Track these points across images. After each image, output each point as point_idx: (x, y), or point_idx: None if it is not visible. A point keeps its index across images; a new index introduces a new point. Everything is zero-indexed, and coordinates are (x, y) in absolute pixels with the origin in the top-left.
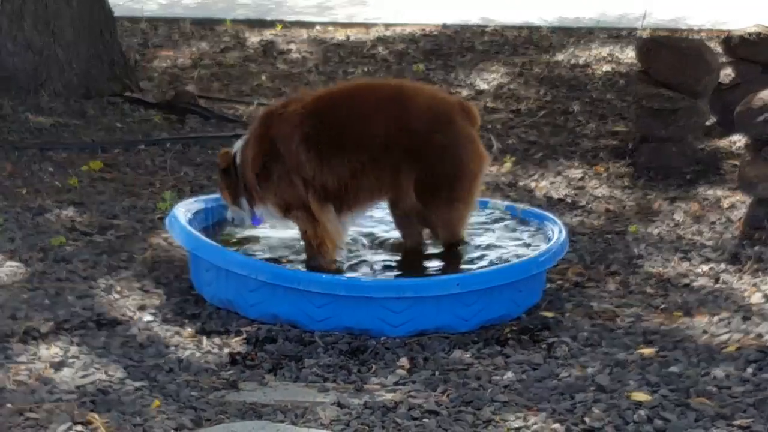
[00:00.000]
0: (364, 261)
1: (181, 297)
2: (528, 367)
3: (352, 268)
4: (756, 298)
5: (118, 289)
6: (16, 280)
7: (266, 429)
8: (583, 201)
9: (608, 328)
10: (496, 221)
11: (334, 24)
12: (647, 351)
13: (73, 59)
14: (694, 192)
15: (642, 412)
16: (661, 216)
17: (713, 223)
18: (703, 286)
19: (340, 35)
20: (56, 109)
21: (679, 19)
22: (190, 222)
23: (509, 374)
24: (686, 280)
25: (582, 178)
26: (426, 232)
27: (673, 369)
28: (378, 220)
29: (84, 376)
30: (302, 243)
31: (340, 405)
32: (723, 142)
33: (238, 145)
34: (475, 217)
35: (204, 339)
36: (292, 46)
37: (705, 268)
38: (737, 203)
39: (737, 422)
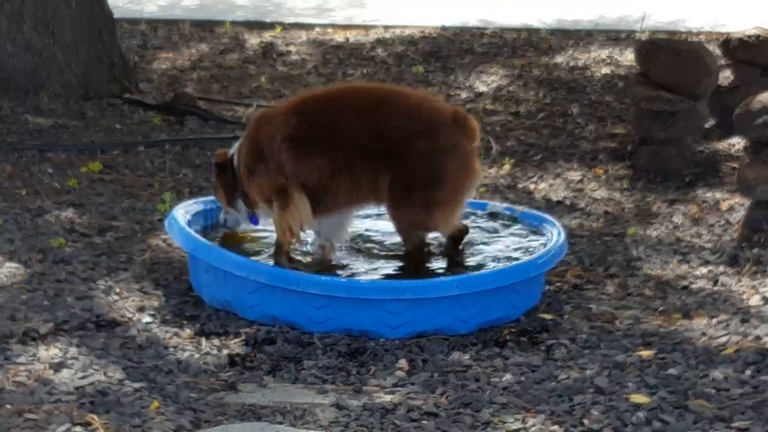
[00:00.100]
0: (364, 263)
1: (180, 298)
2: (527, 369)
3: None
4: (754, 300)
5: (117, 290)
6: (15, 281)
7: (265, 430)
8: (582, 203)
9: (607, 330)
10: (494, 223)
11: (333, 26)
12: (646, 353)
13: (72, 61)
14: (692, 194)
15: (640, 414)
16: (659, 218)
17: (712, 225)
18: (701, 288)
19: (339, 37)
20: (55, 110)
21: (678, 21)
22: (189, 223)
23: (508, 376)
24: (685, 283)
25: (581, 180)
26: (430, 236)
27: (672, 371)
28: (379, 219)
29: (83, 377)
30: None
31: (338, 406)
32: (722, 145)
33: (236, 146)
34: (475, 219)
35: (203, 340)
36: (292, 48)
37: (704, 270)
38: (736, 205)
39: (736, 424)
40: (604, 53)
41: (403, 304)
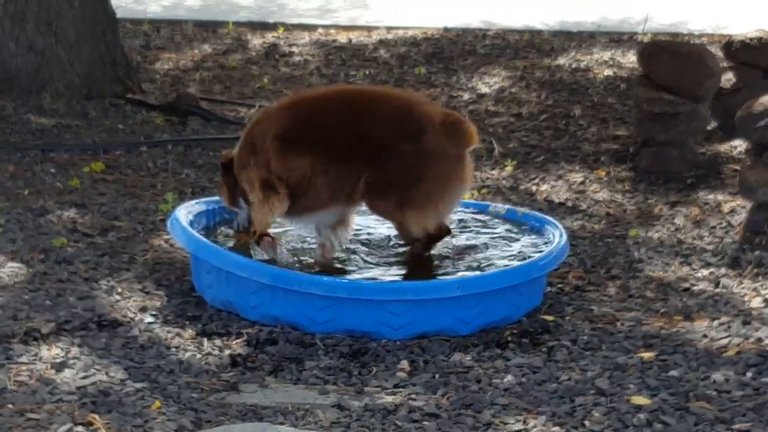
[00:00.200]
0: (365, 264)
1: (182, 299)
2: (528, 371)
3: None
4: (756, 302)
5: (120, 290)
6: (17, 280)
7: (266, 431)
8: (584, 205)
9: (608, 332)
10: (496, 224)
11: (336, 27)
12: (647, 355)
13: (75, 61)
14: (694, 196)
15: (642, 416)
16: (661, 220)
17: (713, 227)
18: (703, 290)
19: (341, 38)
20: (58, 110)
21: (681, 23)
22: (191, 224)
23: (509, 377)
24: (686, 285)
25: (583, 182)
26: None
27: (673, 373)
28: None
29: (85, 377)
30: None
31: (340, 407)
32: (724, 147)
33: (238, 146)
34: (476, 220)
35: (205, 341)
36: (294, 49)
37: (705, 272)
38: (738, 208)
39: (736, 426)
40: (606, 55)
41: (405, 305)
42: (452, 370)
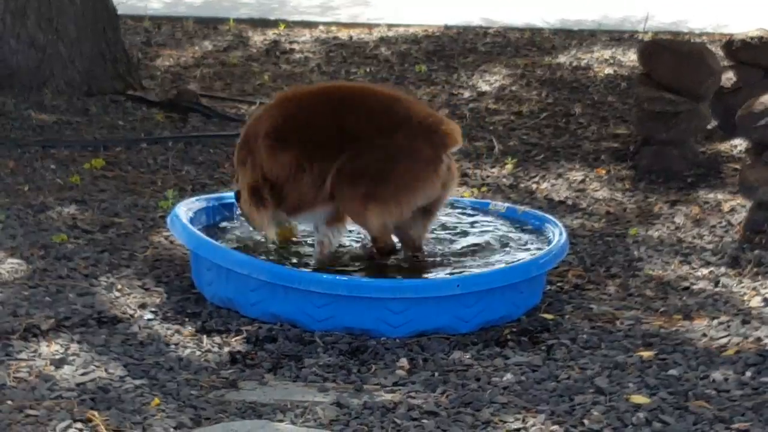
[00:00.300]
0: (366, 262)
1: (181, 295)
2: (527, 369)
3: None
4: (755, 301)
5: (119, 287)
6: (17, 277)
7: (265, 428)
8: (584, 203)
9: (608, 331)
10: (496, 222)
11: (337, 24)
12: (646, 354)
13: (76, 57)
14: (694, 195)
15: (641, 415)
16: (661, 219)
17: (713, 226)
18: (702, 289)
19: (342, 35)
20: (59, 106)
21: (681, 22)
22: (191, 221)
23: (508, 376)
24: (686, 284)
25: (583, 181)
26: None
27: (672, 372)
28: None
29: (84, 374)
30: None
31: (339, 405)
32: (724, 146)
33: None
34: (476, 219)
35: (204, 338)
36: (295, 46)
37: (705, 271)
38: (738, 207)
39: (736, 425)
40: (607, 53)
41: (405, 302)
42: (451, 368)
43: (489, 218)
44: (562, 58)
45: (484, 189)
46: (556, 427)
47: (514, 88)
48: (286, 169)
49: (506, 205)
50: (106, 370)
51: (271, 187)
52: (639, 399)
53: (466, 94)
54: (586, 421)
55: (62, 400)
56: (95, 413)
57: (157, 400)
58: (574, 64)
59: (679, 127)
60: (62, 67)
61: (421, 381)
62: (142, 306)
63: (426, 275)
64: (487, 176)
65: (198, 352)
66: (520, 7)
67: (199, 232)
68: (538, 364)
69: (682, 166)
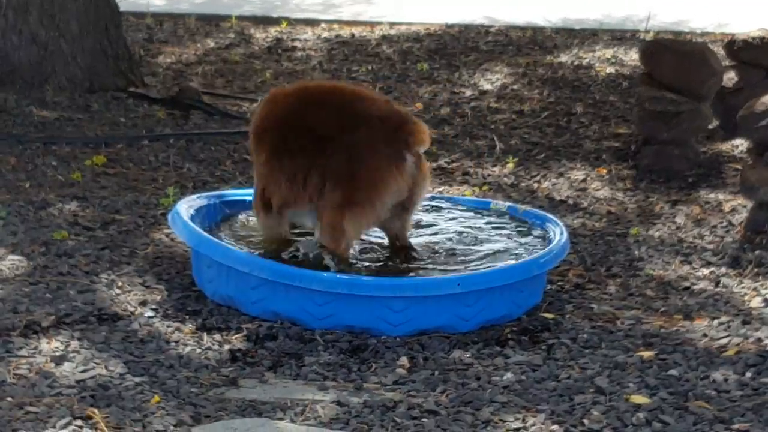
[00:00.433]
0: (367, 260)
1: (182, 293)
2: (527, 368)
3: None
4: (756, 302)
5: (120, 284)
6: (18, 273)
7: (265, 426)
8: (585, 203)
9: (608, 330)
10: (497, 221)
11: (339, 22)
12: (647, 354)
13: (77, 54)
14: (695, 195)
15: (641, 415)
16: (662, 219)
17: (714, 226)
18: (703, 289)
19: (345, 33)
20: (60, 103)
21: (683, 21)
22: (192, 218)
23: (509, 375)
24: (686, 284)
25: (584, 180)
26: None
27: (673, 372)
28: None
29: (84, 371)
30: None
31: (339, 403)
32: (725, 146)
33: None
34: (477, 218)
35: (204, 335)
36: (297, 44)
37: (705, 271)
38: (738, 207)
39: (736, 426)
40: (608, 53)
41: (405, 301)
42: (452, 367)
43: (490, 217)
44: (564, 57)
45: (485, 188)
46: (556, 426)
47: (515, 86)
48: (265, 167)
49: (507, 203)
50: (106, 368)
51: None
52: (639, 399)
53: (468, 92)
54: (586, 421)
55: (62, 397)
56: (95, 410)
57: (157, 398)
58: (576, 63)
59: (680, 127)
60: (64, 63)
61: (422, 380)
62: (143, 303)
63: (426, 274)
64: (489, 175)
65: (198, 350)
66: (522, 6)
67: (199, 230)
68: (538, 364)
69: (683, 166)
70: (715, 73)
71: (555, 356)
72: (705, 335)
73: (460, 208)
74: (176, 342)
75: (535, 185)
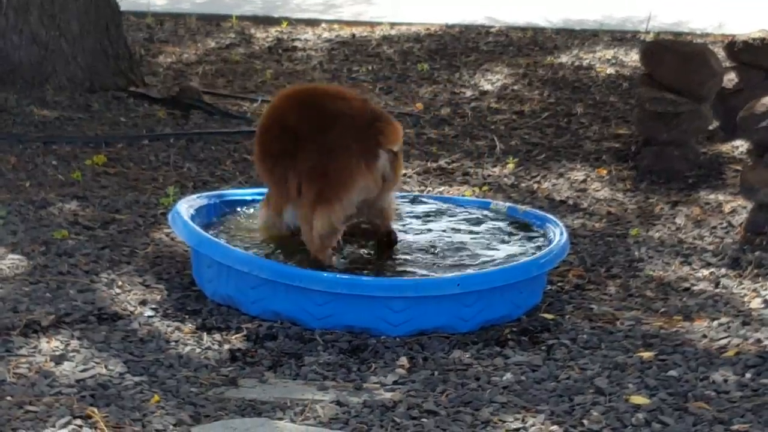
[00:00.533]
0: (363, 260)
1: (182, 293)
2: (527, 369)
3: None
4: (756, 303)
5: (120, 283)
6: (17, 272)
7: (265, 426)
8: (585, 203)
9: (608, 331)
10: (497, 222)
11: (340, 22)
12: (646, 354)
13: (78, 53)
14: (695, 196)
15: (640, 416)
16: (662, 219)
17: (714, 227)
18: (703, 290)
19: (345, 33)
20: (61, 102)
21: (683, 22)
22: (192, 218)
23: (508, 375)
24: (686, 284)
25: (584, 181)
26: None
27: (672, 373)
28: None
29: (84, 370)
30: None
31: (339, 403)
32: (725, 147)
33: None
34: (477, 217)
35: (204, 335)
36: (298, 44)
37: (705, 272)
38: (738, 208)
39: (735, 427)
40: (609, 53)
41: (405, 301)
42: (451, 367)
43: (490, 217)
44: (564, 58)
45: (485, 188)
46: (555, 427)
47: (516, 87)
48: (261, 168)
49: (507, 204)
50: (106, 367)
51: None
52: (638, 399)
53: (468, 93)
54: (585, 422)
55: (62, 397)
56: (95, 410)
57: (156, 397)
58: (576, 63)
59: (680, 128)
60: (64, 63)
61: (421, 380)
62: (143, 303)
63: (426, 274)
64: (489, 175)
65: (198, 350)
66: (523, 7)
67: (199, 229)
68: (538, 364)
69: (683, 167)
70: (715, 74)
71: (555, 357)
72: (705, 336)
73: (460, 208)
74: (176, 341)
75: (535, 186)
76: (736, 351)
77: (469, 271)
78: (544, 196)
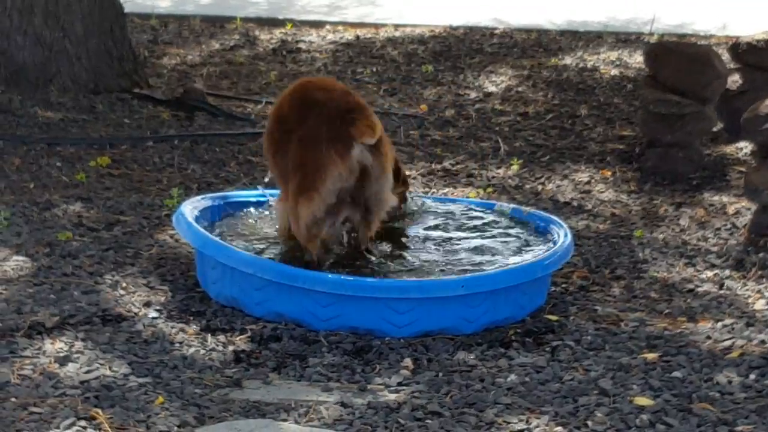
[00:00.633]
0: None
1: (186, 294)
2: (531, 370)
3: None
4: (760, 304)
5: (124, 285)
6: (22, 274)
7: (269, 427)
8: (589, 205)
9: (612, 332)
10: (501, 223)
11: (345, 24)
12: (651, 356)
13: (82, 55)
14: (699, 198)
15: (644, 417)
16: (666, 221)
17: (718, 229)
18: (707, 291)
19: (350, 35)
20: (65, 104)
21: (688, 24)
22: (196, 219)
23: (513, 376)
24: (690, 286)
25: (588, 182)
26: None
27: (676, 374)
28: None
29: (88, 372)
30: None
31: (343, 404)
32: (729, 149)
33: None
34: (481, 219)
35: (209, 336)
36: (302, 45)
37: (709, 273)
38: (742, 210)
39: (739, 428)
40: (613, 55)
41: (409, 303)
42: (456, 368)
43: (494, 219)
44: (569, 60)
45: (489, 190)
46: (559, 428)
47: (520, 89)
48: (269, 161)
49: (512, 205)
50: (110, 368)
51: None
52: (643, 401)
53: (473, 94)
54: (589, 423)
55: (66, 398)
56: (99, 411)
57: (161, 399)
58: (581, 65)
59: (684, 130)
60: (69, 64)
61: (426, 381)
62: (147, 304)
63: (431, 276)
64: (493, 177)
65: (202, 351)
66: (527, 9)
67: (204, 231)
68: (542, 365)
69: (687, 169)
70: (719, 75)
71: (559, 358)
72: (709, 337)
73: (465, 209)
74: (180, 343)
75: (540, 187)
76: (740, 352)
77: (474, 272)
78: (548, 197)
